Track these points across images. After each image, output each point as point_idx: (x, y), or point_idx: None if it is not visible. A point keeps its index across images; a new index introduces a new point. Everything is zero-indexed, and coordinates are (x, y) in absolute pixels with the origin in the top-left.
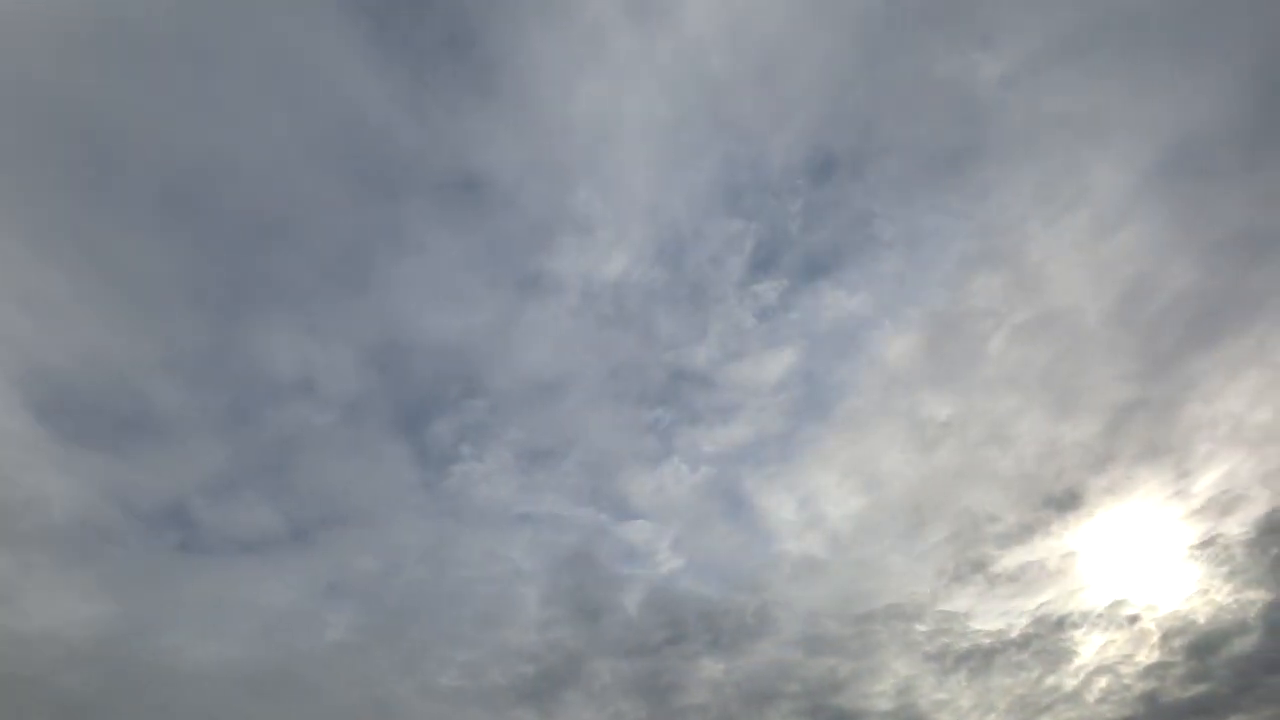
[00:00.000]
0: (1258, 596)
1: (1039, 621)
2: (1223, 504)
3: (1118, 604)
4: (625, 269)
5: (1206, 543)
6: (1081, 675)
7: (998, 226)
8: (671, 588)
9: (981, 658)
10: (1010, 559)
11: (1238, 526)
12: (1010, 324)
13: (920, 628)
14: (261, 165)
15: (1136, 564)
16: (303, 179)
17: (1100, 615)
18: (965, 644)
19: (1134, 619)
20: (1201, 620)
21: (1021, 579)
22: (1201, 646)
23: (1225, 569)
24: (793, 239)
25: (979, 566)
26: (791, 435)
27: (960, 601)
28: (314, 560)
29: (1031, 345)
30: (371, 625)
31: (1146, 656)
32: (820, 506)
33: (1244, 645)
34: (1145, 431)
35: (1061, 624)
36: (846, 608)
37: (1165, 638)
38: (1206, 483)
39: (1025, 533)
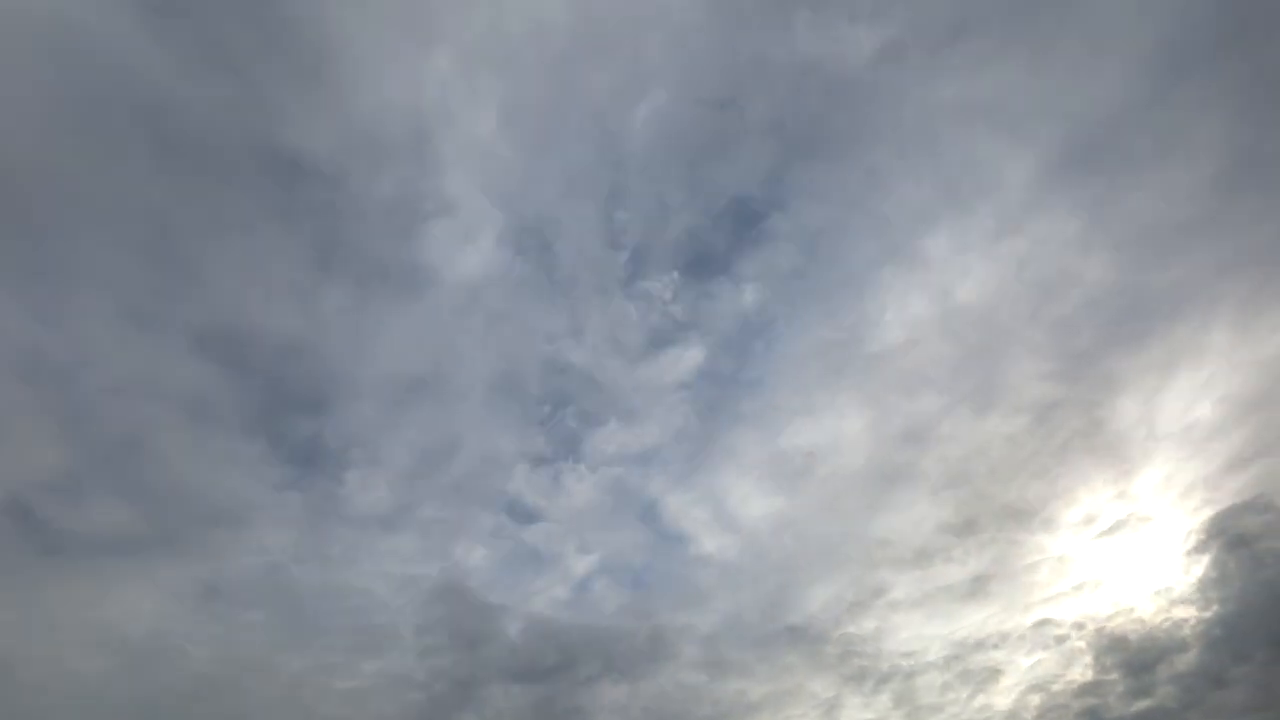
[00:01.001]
0: (1189, 614)
1: (959, 644)
2: (1149, 520)
3: (1043, 623)
4: (490, 261)
5: (1135, 560)
6: (1015, 694)
7: (897, 220)
8: (566, 608)
9: (903, 679)
10: (920, 579)
11: (1167, 543)
12: (918, 321)
13: (830, 649)
14: (44, 139)
15: (1063, 581)
16: (91, 151)
17: (1023, 636)
18: (885, 665)
19: (1061, 638)
20: (1134, 638)
21: (932, 601)
22: (1137, 663)
23: (1156, 586)
24: (675, 230)
25: (879, 593)
26: (698, 437)
27: (867, 623)
28: (182, 564)
29: (942, 344)
30: (242, 651)
31: (1081, 675)
32: (730, 512)
33: (1186, 661)
34: (1068, 437)
35: (982, 645)
36: (750, 630)
37: (1098, 655)
38: (1135, 496)
39: (938, 550)
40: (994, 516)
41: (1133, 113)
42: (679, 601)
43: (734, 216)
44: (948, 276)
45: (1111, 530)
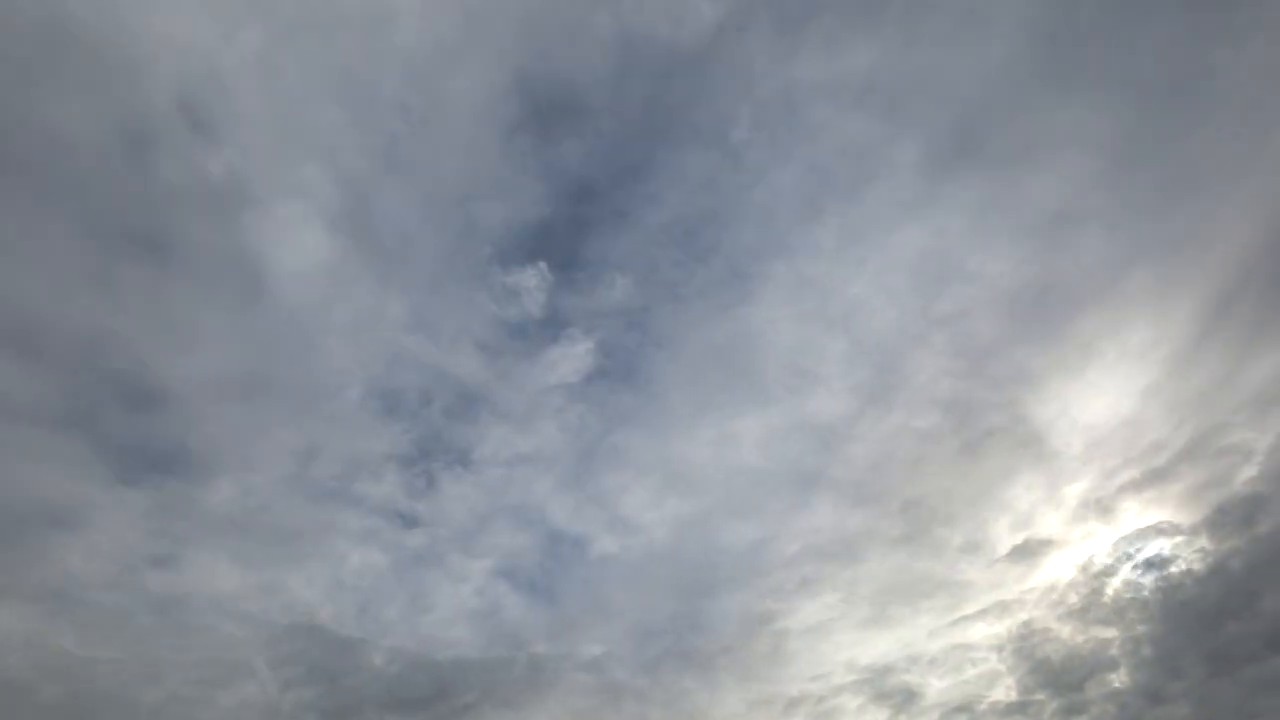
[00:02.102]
0: (1112, 634)
1: (869, 667)
2: (1060, 542)
3: (958, 646)
4: (324, 251)
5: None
6: (937, 715)
7: (776, 209)
8: (448, 627)
9: (814, 703)
10: (829, 597)
11: (1078, 564)
12: (809, 318)
13: (732, 672)
14: None
15: (976, 602)
16: None
17: (934, 659)
18: (794, 689)
19: (978, 660)
20: (1056, 658)
21: (842, 621)
22: (1064, 682)
23: (1070, 606)
24: (526, 216)
25: (784, 611)
26: (589, 439)
27: (772, 643)
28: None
29: (837, 341)
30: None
31: (1005, 695)
32: (624, 518)
33: (1119, 678)
34: (979, 437)
35: (893, 668)
36: (644, 650)
37: (1020, 676)
38: (1044, 517)
39: (848, 566)
40: (907, 528)
41: (1020, 99)
42: (567, 620)
43: (592, 202)
44: (838, 269)
45: (1023, 552)
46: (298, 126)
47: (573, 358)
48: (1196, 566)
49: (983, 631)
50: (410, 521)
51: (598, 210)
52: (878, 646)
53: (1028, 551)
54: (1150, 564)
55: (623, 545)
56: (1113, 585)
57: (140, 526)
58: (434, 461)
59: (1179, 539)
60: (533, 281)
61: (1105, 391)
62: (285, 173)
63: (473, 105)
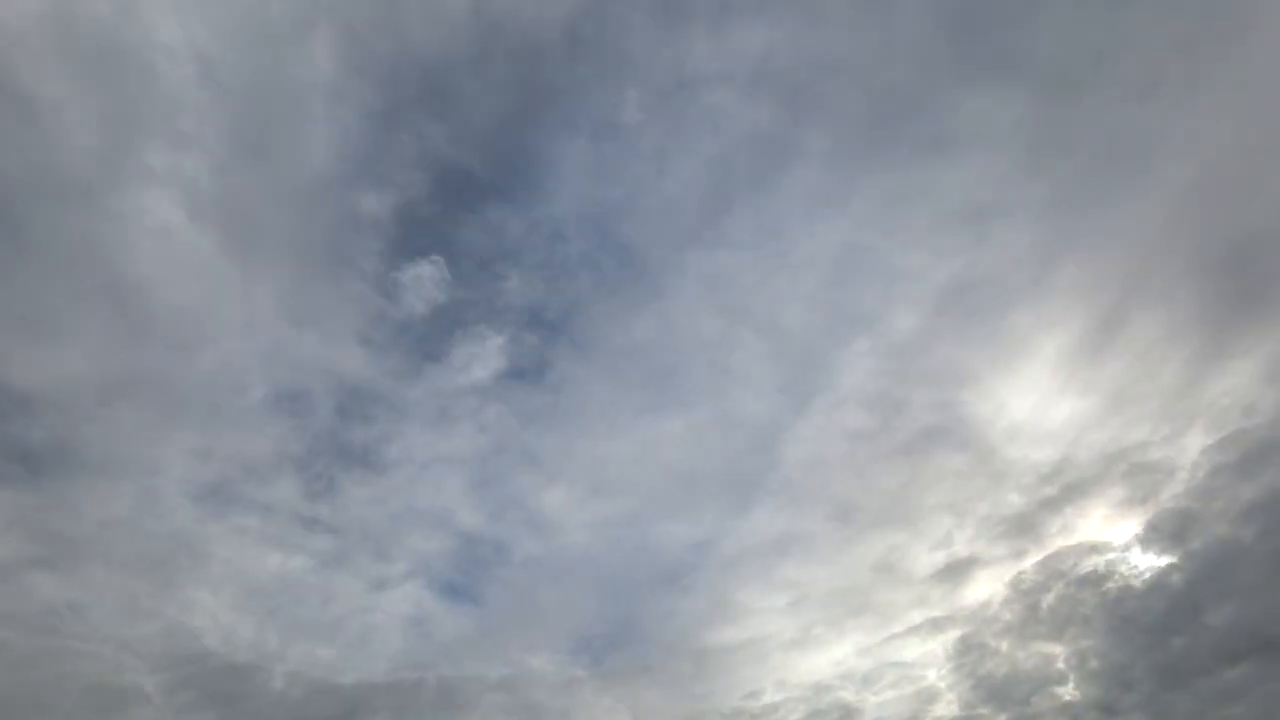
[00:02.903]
0: (1055, 649)
1: (803, 685)
2: (987, 561)
3: (895, 664)
4: (186, 240)
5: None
6: None
7: (683, 200)
8: (356, 647)
9: (750, 717)
10: (760, 613)
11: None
12: (724, 314)
13: (660, 690)
14: None
15: (908, 619)
16: None
17: (867, 675)
18: (726, 708)
19: (916, 678)
20: (1000, 673)
21: (775, 639)
22: (1008, 696)
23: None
24: (432, 213)
25: (695, 634)
26: (506, 442)
27: (702, 661)
28: None
29: (758, 339)
30: None
31: (947, 709)
32: (545, 522)
33: (1067, 692)
34: (911, 439)
35: (828, 686)
36: (565, 668)
37: (961, 693)
38: (975, 533)
39: (778, 579)
40: (841, 536)
41: (932, 87)
42: (485, 631)
43: (480, 193)
44: (754, 263)
45: (952, 570)
46: (148, 108)
47: (481, 356)
48: (1135, 583)
49: (916, 649)
50: (311, 527)
51: (489, 202)
52: (812, 662)
53: (956, 570)
54: (1085, 580)
55: (545, 551)
56: (1047, 601)
57: (13, 532)
58: (332, 464)
59: (1111, 555)
60: (427, 276)
61: (1038, 393)
62: (137, 158)
63: (329, 87)
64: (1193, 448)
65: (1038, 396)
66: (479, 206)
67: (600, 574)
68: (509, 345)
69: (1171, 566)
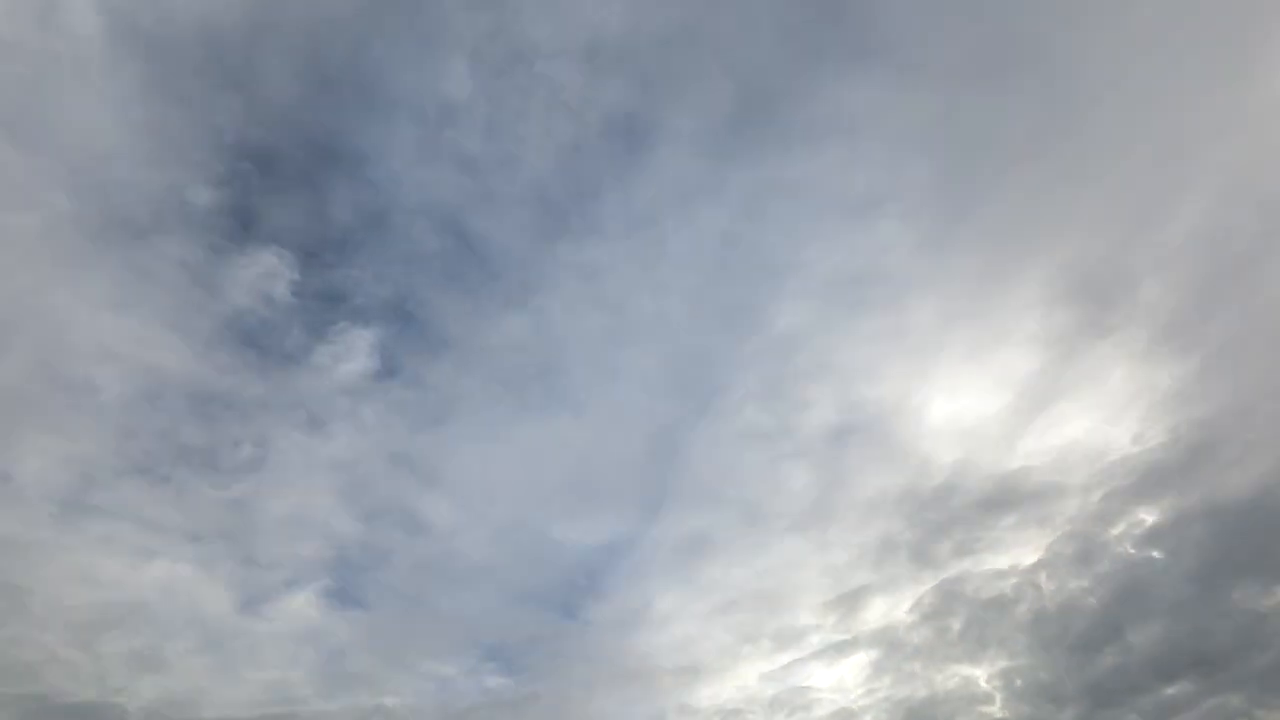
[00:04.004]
0: (975, 671)
1: (704, 710)
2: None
3: (798, 689)
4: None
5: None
6: None
7: (544, 193)
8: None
9: None
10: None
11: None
12: (603, 310)
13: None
14: None
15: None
16: None
17: (775, 700)
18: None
19: (820, 701)
20: (920, 695)
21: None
22: (930, 716)
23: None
24: (264, 205)
25: (590, 658)
26: (379, 443)
27: (584, 688)
28: None
29: (637, 336)
30: None
31: None
32: (430, 530)
33: (992, 712)
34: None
35: (730, 713)
36: (444, 699)
37: (876, 715)
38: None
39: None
40: (746, 542)
41: (809, 74)
42: (358, 655)
43: (312, 182)
44: (630, 256)
45: (849, 598)
46: None
47: (346, 355)
48: (1049, 605)
49: (821, 672)
50: (167, 535)
51: (315, 189)
52: (713, 687)
53: (853, 598)
54: (993, 604)
55: (435, 556)
56: (956, 625)
57: None
58: (186, 469)
59: (1014, 580)
60: (270, 269)
61: (941, 393)
62: None
63: (93, 57)
64: (1080, 472)
65: (941, 398)
66: (299, 193)
67: (499, 581)
68: (376, 344)
69: (1083, 589)
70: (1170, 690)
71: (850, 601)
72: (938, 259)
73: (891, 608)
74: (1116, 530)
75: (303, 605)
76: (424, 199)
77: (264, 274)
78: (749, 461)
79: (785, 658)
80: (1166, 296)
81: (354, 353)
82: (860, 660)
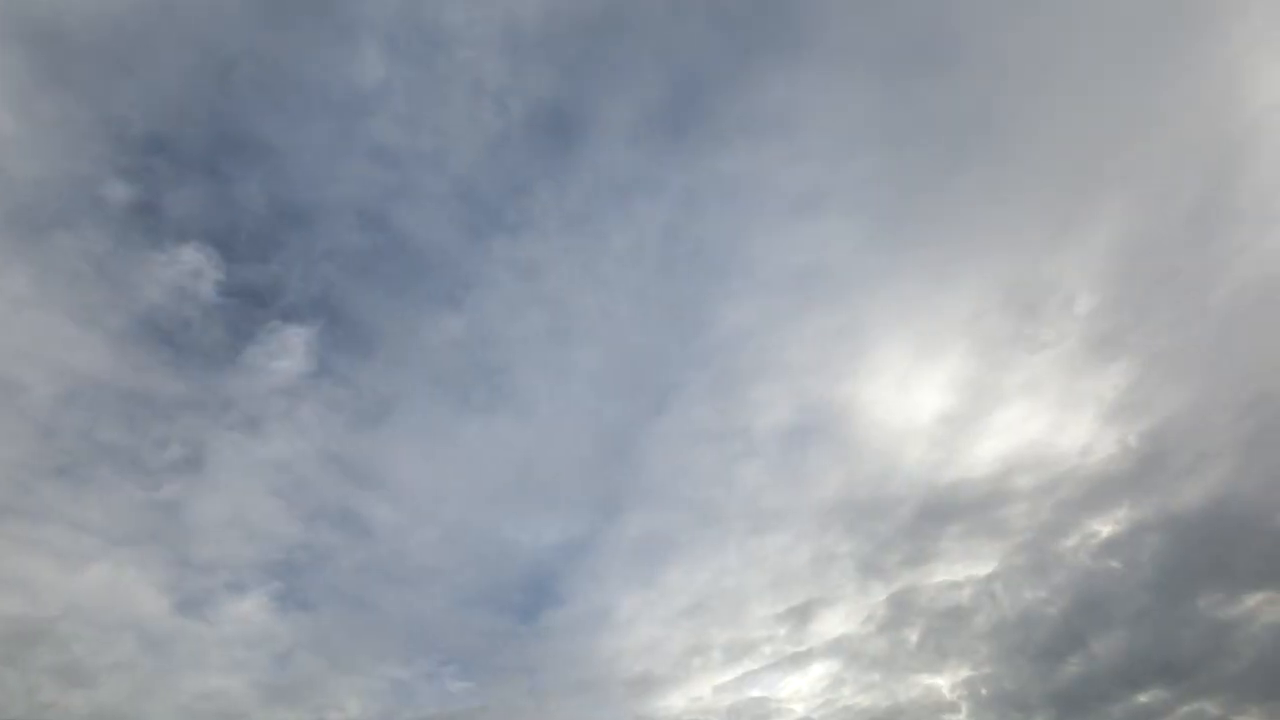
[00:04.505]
0: (936, 680)
1: None
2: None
3: (754, 700)
4: None
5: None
6: None
7: (466, 181)
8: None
9: None
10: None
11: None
12: (544, 307)
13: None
14: None
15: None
16: None
17: (732, 709)
18: None
19: (779, 711)
20: (882, 706)
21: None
22: None
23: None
24: (175, 199)
25: (540, 668)
26: (319, 444)
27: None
28: None
29: (564, 348)
30: None
31: None
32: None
33: (963, 718)
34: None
35: None
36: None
37: None
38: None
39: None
40: (705, 547)
41: (747, 66)
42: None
43: (216, 174)
44: (570, 248)
45: (801, 611)
46: None
47: (279, 354)
48: (1007, 614)
49: (778, 681)
50: (91, 540)
51: (243, 186)
52: (669, 697)
53: (804, 610)
54: (950, 614)
55: (382, 558)
56: (914, 635)
57: None
58: (104, 470)
59: (970, 590)
60: (194, 269)
61: (895, 395)
62: None
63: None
64: (1028, 483)
65: (890, 402)
66: (214, 186)
67: (451, 584)
68: (309, 343)
69: (1042, 600)
70: (1143, 698)
71: (801, 613)
72: (884, 256)
73: (845, 618)
74: (1071, 541)
75: (244, 610)
76: (344, 193)
77: (186, 271)
78: (701, 463)
79: (739, 668)
80: (1097, 305)
81: (286, 352)
82: (817, 671)
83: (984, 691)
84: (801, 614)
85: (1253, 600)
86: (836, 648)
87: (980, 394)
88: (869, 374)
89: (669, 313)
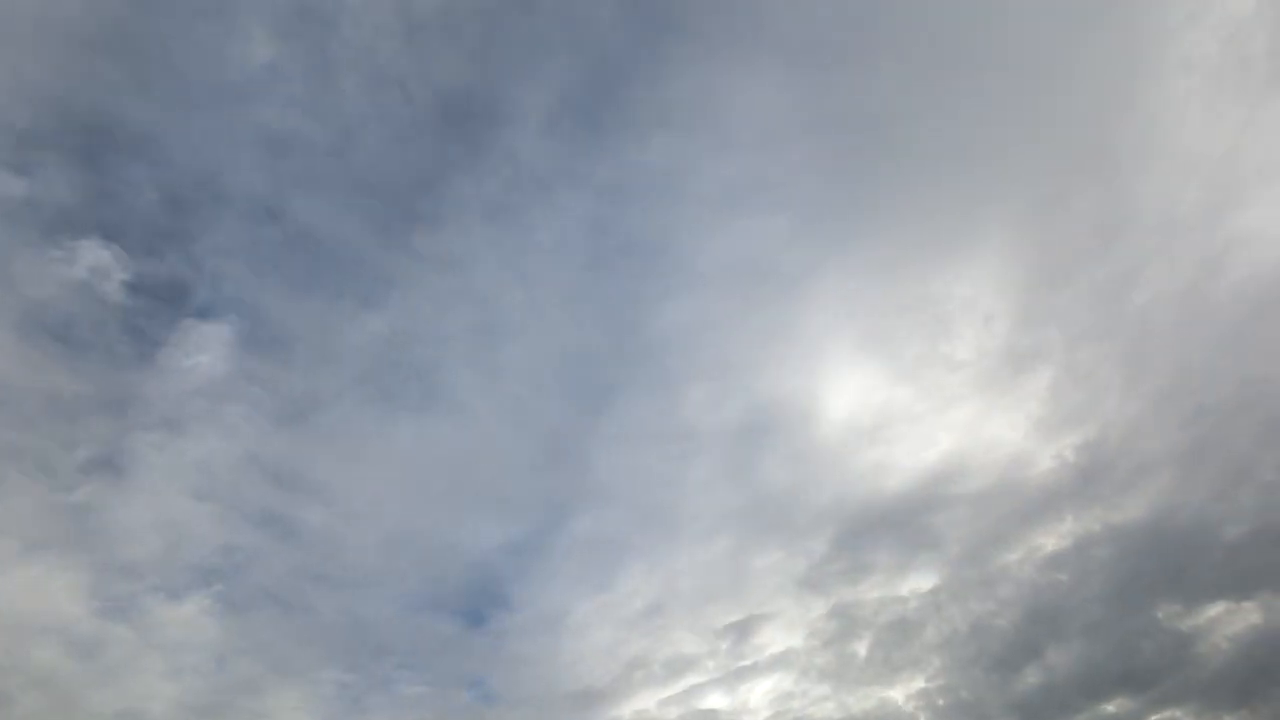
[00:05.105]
0: (889, 693)
1: None
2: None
3: (699, 712)
4: None
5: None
6: None
7: (372, 172)
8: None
9: None
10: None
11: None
12: (460, 301)
13: None
14: None
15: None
16: None
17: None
18: None
19: None
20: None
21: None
22: None
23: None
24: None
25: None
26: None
27: None
28: None
29: (493, 328)
30: None
31: None
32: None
33: None
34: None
35: None
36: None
37: None
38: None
39: None
40: (653, 550)
41: (662, 57)
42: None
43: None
44: (491, 241)
45: (740, 627)
46: None
47: (197, 355)
48: (958, 626)
49: (724, 697)
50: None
51: (135, 181)
52: (613, 709)
53: (743, 625)
54: (895, 626)
55: (309, 561)
56: (862, 648)
57: None
58: (10, 472)
59: (915, 603)
60: (97, 265)
61: (832, 399)
62: None
63: None
64: (967, 497)
65: (828, 409)
66: (106, 181)
67: (391, 587)
68: (228, 343)
69: (990, 612)
70: (1109, 707)
71: (741, 628)
72: (818, 251)
73: (787, 632)
74: (1015, 555)
75: (174, 614)
76: (241, 185)
77: (87, 268)
78: (646, 464)
79: (684, 682)
80: (1013, 317)
81: (204, 352)
82: (764, 685)
83: (941, 702)
84: (741, 629)
85: (1214, 610)
86: (782, 661)
87: (897, 409)
88: (810, 373)
89: (602, 310)
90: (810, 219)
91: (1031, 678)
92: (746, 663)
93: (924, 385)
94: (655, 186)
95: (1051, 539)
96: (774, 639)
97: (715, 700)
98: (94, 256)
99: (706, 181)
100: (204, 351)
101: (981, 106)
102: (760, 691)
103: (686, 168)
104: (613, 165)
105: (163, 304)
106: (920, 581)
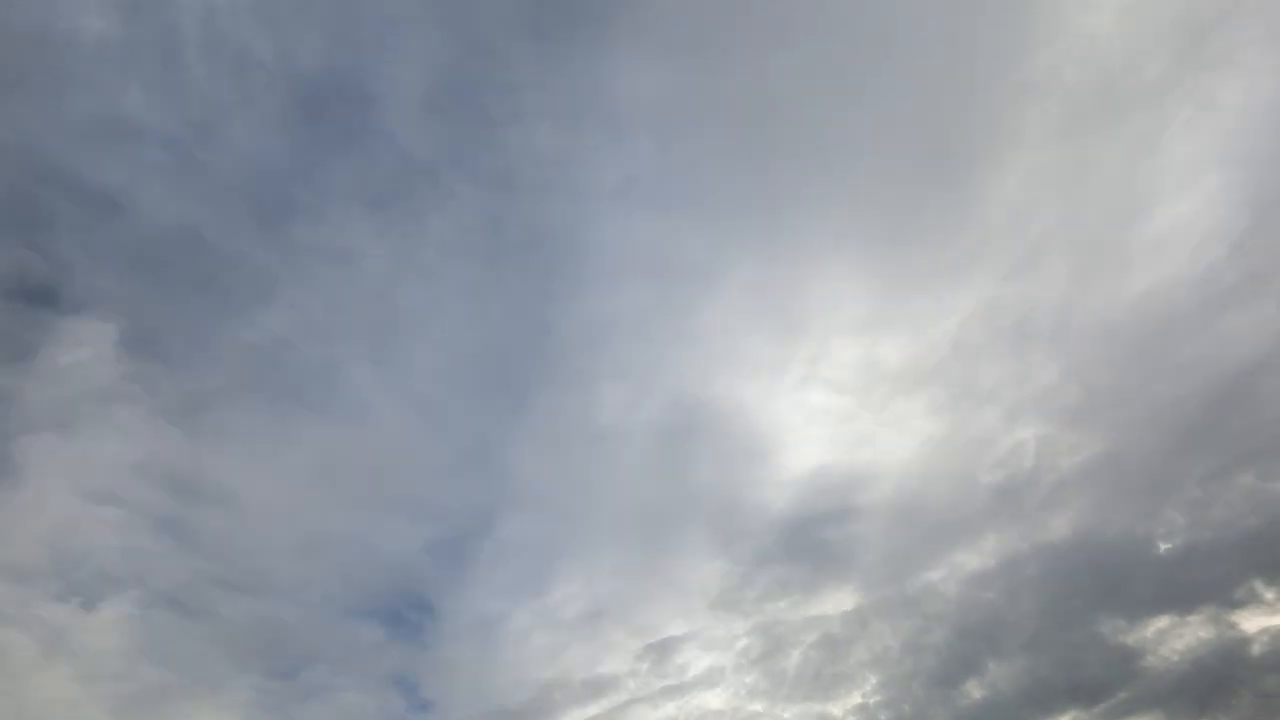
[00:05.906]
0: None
1: None
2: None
3: None
4: None
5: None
6: None
7: (233, 167)
8: None
9: None
10: None
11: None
12: (356, 296)
13: None
14: None
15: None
16: None
17: None
18: None
19: None
20: None
21: None
22: None
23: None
24: None
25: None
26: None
27: None
28: None
29: (394, 323)
30: None
31: None
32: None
33: None
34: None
35: None
36: None
37: None
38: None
39: None
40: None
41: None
42: None
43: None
44: (375, 232)
45: (662, 647)
46: None
47: (83, 355)
48: (889, 642)
49: (649, 715)
50: None
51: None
52: None
53: (662, 646)
54: (820, 644)
55: (210, 565)
56: (790, 666)
57: None
58: None
59: (839, 621)
60: None
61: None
62: None
63: None
64: (881, 515)
65: (738, 420)
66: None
67: (318, 594)
68: (115, 343)
69: (919, 628)
70: (1062, 719)
71: (661, 649)
72: (722, 245)
73: (708, 651)
74: (936, 574)
75: (73, 621)
76: (96, 177)
77: None
78: (568, 467)
79: (606, 701)
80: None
81: (84, 350)
82: (693, 703)
83: (882, 717)
84: (661, 649)
85: (1159, 623)
86: (708, 679)
87: (813, 413)
88: (722, 372)
89: (508, 306)
90: (712, 212)
91: (975, 692)
92: (670, 681)
93: (835, 391)
94: (547, 177)
95: (974, 557)
96: (695, 657)
97: (642, 717)
98: None
99: (601, 172)
100: (83, 349)
101: (875, 98)
102: (689, 710)
103: (579, 158)
104: (501, 153)
105: (27, 302)
106: (842, 599)
